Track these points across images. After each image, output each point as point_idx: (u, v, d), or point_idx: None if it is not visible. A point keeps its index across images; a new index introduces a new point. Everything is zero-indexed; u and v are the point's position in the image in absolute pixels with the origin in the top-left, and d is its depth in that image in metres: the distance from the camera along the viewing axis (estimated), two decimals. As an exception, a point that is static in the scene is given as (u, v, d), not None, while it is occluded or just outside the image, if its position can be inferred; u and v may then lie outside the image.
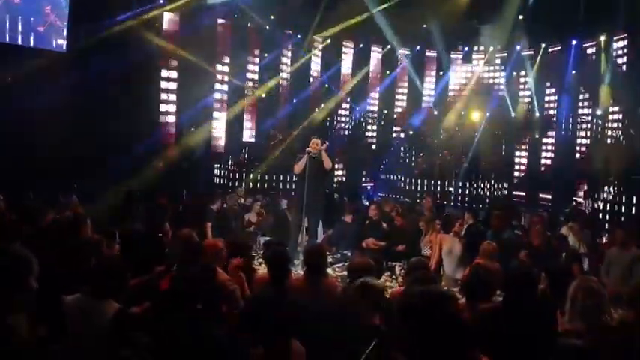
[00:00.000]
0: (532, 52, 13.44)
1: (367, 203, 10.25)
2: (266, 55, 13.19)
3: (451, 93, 15.37)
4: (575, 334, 2.92)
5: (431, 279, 3.91)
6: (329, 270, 5.28)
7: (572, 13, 11.10)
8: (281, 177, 11.90)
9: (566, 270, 4.01)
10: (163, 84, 11.13)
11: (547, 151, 13.84)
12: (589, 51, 12.64)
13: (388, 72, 15.22)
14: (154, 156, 10.72)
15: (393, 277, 5.63)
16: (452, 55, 14.57)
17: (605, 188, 11.42)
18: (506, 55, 14.48)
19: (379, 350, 2.28)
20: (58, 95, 8.89)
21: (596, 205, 11.33)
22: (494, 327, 3.05)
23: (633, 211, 10.29)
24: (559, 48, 13.32)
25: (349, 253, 6.88)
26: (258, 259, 5.74)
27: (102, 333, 2.73)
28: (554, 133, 13.65)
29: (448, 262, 6.32)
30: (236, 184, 11.45)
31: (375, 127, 15.51)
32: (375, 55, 15.00)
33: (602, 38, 12.00)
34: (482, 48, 14.55)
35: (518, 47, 13.94)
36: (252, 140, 13.32)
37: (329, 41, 13.96)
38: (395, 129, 15.72)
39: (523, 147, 14.37)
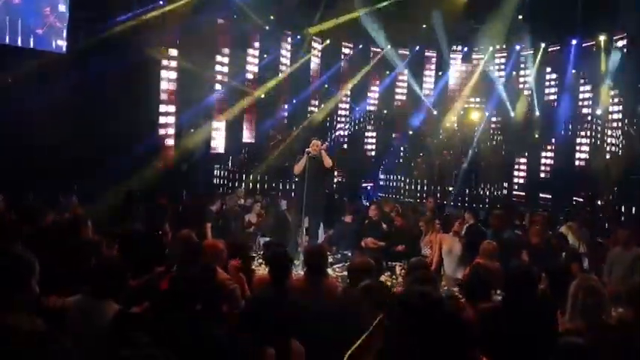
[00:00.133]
0: (532, 52, 13.43)
1: (367, 203, 10.27)
2: (265, 55, 13.19)
3: (450, 93, 15.37)
4: (576, 333, 2.92)
5: (431, 279, 3.92)
6: (329, 270, 5.28)
7: (572, 12, 11.10)
8: (281, 177, 11.90)
9: (565, 269, 4.02)
10: (163, 85, 11.14)
11: (547, 150, 13.83)
12: (589, 50, 12.64)
13: (388, 72, 15.22)
14: (154, 156, 10.72)
15: (393, 277, 5.63)
16: (451, 55, 14.57)
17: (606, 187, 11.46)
18: (505, 54, 14.48)
19: (384, 326, 2.28)
20: (58, 96, 8.88)
21: (596, 203, 11.35)
22: (494, 327, 3.05)
23: (633, 211, 10.30)
24: (558, 47, 13.33)
25: (349, 254, 6.89)
26: (258, 260, 5.74)
27: (102, 333, 2.74)
28: (554, 133, 13.65)
29: (448, 262, 6.33)
30: (236, 184, 11.45)
31: (373, 128, 15.52)
32: (375, 55, 15.02)
33: (602, 37, 12.00)
34: (481, 48, 14.55)
35: (517, 47, 13.94)
36: (252, 141, 13.32)
37: (328, 41, 13.96)
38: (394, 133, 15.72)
39: (523, 148, 14.37)
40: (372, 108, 15.45)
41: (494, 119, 14.95)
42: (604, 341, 2.87)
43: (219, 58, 12.24)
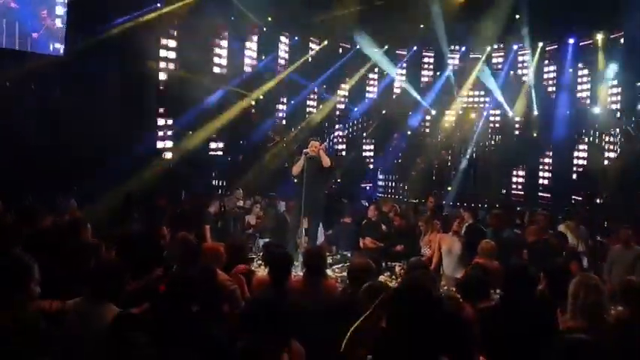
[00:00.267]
0: (530, 51, 13.45)
1: (367, 204, 10.27)
2: (263, 56, 13.19)
3: (448, 93, 15.38)
4: (578, 331, 2.93)
5: (431, 278, 3.92)
6: (328, 271, 5.28)
7: (569, 11, 11.11)
8: (279, 179, 11.90)
9: (564, 268, 4.03)
10: (161, 86, 11.13)
11: (546, 149, 13.84)
12: (587, 49, 12.67)
13: (386, 73, 15.23)
14: (153, 158, 10.71)
15: (393, 277, 5.64)
16: (449, 55, 14.58)
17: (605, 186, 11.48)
18: (503, 54, 14.49)
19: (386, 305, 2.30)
20: (56, 99, 8.90)
21: (595, 202, 11.37)
22: (493, 326, 3.06)
23: (632, 210, 10.31)
24: (556, 46, 13.34)
25: (349, 254, 6.89)
26: (257, 262, 5.74)
27: (101, 336, 2.73)
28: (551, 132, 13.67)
29: (448, 261, 6.32)
30: (234, 186, 11.43)
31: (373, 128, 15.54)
32: (374, 56, 15.03)
33: (600, 36, 12.02)
34: (479, 47, 14.56)
35: (515, 46, 13.95)
36: (250, 142, 13.30)
37: (326, 42, 13.96)
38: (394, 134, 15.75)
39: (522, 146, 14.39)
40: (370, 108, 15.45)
41: (492, 119, 14.95)
42: (605, 339, 2.88)
43: (216, 60, 12.23)
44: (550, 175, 13.54)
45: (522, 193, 13.89)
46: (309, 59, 13.90)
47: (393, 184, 14.88)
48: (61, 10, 9.31)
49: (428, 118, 15.50)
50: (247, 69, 12.88)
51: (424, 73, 15.53)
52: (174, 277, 3.36)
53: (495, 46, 14.40)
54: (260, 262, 5.62)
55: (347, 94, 15.06)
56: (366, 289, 3.00)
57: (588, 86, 12.74)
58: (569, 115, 13.08)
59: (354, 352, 2.29)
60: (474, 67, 14.56)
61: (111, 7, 9.55)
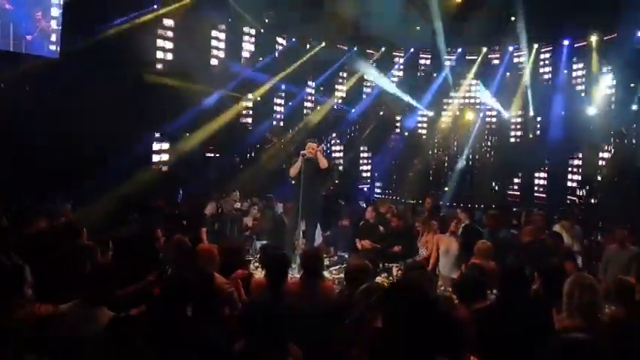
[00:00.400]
0: (525, 52, 13.49)
1: (364, 205, 10.27)
2: (261, 58, 13.19)
3: (445, 94, 15.42)
4: (575, 330, 2.94)
5: (428, 279, 3.93)
6: (326, 273, 5.28)
7: (564, 13, 11.16)
8: (277, 180, 11.88)
9: (558, 268, 4.04)
10: (158, 88, 11.09)
11: (543, 150, 13.87)
12: (580, 50, 12.73)
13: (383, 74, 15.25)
14: (149, 160, 10.69)
15: (390, 278, 5.64)
16: (445, 57, 14.61)
17: (600, 186, 11.52)
18: (499, 55, 14.54)
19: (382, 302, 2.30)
20: (50, 101, 8.86)
21: (590, 202, 11.41)
22: (489, 326, 3.06)
23: (626, 209, 10.36)
24: (551, 48, 13.40)
25: (346, 256, 6.89)
26: (254, 264, 5.73)
27: (96, 340, 2.72)
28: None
29: (445, 261, 6.34)
30: (230, 188, 11.42)
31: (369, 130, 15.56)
32: (371, 57, 15.07)
33: (594, 38, 12.08)
34: (475, 49, 14.61)
35: (511, 48, 14.00)
36: (247, 144, 13.29)
37: (323, 44, 13.98)
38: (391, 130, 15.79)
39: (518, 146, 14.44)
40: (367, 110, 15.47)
41: (489, 120, 15.00)
42: (600, 338, 2.89)
43: (213, 61, 12.22)
44: (546, 175, 13.58)
45: (518, 193, 13.93)
46: (306, 60, 13.91)
47: (393, 184, 14.91)
48: (56, 12, 9.28)
49: (425, 119, 15.54)
50: (244, 70, 12.86)
51: (422, 73, 15.55)
52: (169, 279, 3.36)
53: (491, 48, 14.46)
54: (257, 264, 5.62)
55: (344, 95, 15.08)
56: (363, 291, 3.01)
57: (583, 87, 12.79)
58: (564, 116, 13.14)
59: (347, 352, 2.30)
60: (471, 68, 14.63)
61: (107, 9, 9.52)
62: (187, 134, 11.45)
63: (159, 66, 11.00)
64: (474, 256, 5.24)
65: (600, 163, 12.02)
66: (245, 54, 12.97)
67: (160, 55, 10.97)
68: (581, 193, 11.89)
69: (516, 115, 14.29)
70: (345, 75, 14.94)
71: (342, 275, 4.93)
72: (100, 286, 2.99)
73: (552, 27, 12.19)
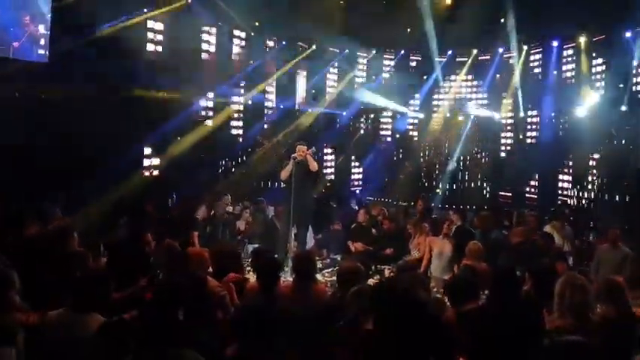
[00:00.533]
0: (515, 54, 13.59)
1: (356, 207, 10.27)
2: (251, 61, 13.16)
3: (436, 96, 15.50)
4: (566, 330, 2.96)
5: (420, 280, 3.94)
6: (318, 276, 5.28)
7: (554, 14, 11.26)
8: (268, 184, 11.87)
9: (549, 269, 4.07)
10: (150, 91, 11.03)
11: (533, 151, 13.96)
12: (569, 52, 12.85)
13: (374, 77, 15.29)
14: (141, 164, 10.61)
15: (382, 280, 5.64)
16: (436, 59, 14.68)
17: (590, 187, 11.62)
18: (489, 57, 14.63)
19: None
20: (39, 105, 8.77)
21: (581, 202, 11.49)
22: (481, 327, 3.08)
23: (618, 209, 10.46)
24: (541, 49, 13.51)
25: (338, 258, 6.90)
26: (247, 268, 5.70)
27: (85, 347, 2.70)
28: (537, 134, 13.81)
29: (438, 263, 6.36)
30: (222, 191, 11.38)
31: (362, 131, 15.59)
32: (362, 60, 15.11)
33: (582, 39, 12.20)
34: (466, 50, 14.70)
35: (500, 49, 14.10)
36: (239, 147, 13.25)
37: (314, 47, 13.98)
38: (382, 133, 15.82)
39: (508, 148, 14.53)
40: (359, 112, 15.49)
41: (479, 121, 15.08)
42: (592, 338, 2.91)
43: (204, 64, 12.17)
44: (537, 176, 13.67)
45: (510, 194, 14.01)
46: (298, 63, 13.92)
47: (384, 187, 14.92)
48: (45, 16, 9.20)
49: (416, 121, 15.59)
50: (235, 73, 12.83)
51: (412, 76, 15.59)
52: (161, 284, 3.34)
53: (481, 50, 14.55)
54: (249, 268, 5.60)
55: (335, 97, 15.09)
56: (355, 293, 3.01)
57: (573, 88, 12.89)
58: (555, 117, 13.25)
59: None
60: (462, 70, 14.72)
61: (97, 12, 9.45)
62: (178, 138, 11.40)
63: (149, 68, 10.92)
64: (466, 257, 5.27)
65: (591, 163, 12.11)
66: (235, 57, 12.94)
67: (150, 57, 10.91)
68: (571, 194, 11.98)
69: (507, 117, 14.39)
70: (336, 78, 14.95)
71: (334, 278, 4.92)
72: (89, 292, 2.97)
73: (542, 28, 12.29)
